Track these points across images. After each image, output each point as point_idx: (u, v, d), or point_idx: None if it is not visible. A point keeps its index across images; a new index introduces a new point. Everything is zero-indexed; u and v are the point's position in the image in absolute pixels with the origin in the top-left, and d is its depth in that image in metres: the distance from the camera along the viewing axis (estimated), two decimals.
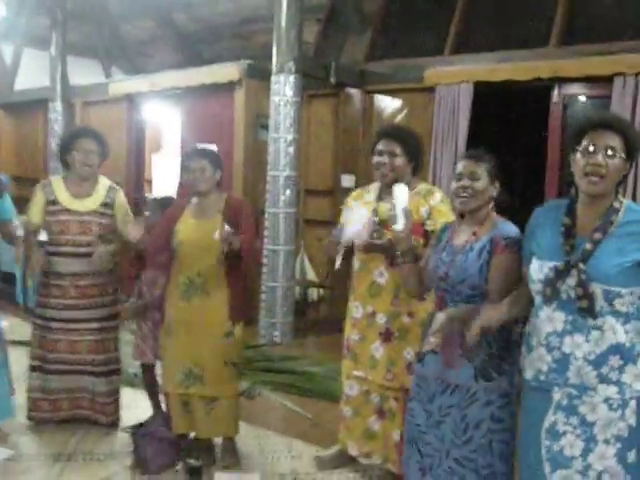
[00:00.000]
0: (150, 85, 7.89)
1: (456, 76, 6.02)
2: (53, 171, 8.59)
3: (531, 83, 5.66)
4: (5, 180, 9.27)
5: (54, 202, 3.91)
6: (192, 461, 3.48)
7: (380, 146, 3.32)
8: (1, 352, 3.87)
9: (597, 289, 2.17)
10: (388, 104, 6.78)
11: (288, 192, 6.16)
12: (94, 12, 10.48)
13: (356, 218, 3.19)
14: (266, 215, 6.23)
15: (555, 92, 5.70)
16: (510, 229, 2.62)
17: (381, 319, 3.30)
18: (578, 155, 2.23)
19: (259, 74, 6.59)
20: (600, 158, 2.17)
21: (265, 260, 6.20)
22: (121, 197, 4.04)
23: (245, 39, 10.46)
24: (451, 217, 3.00)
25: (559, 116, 5.71)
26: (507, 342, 2.59)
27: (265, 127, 6.44)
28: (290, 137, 6.10)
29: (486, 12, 6.87)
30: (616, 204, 2.25)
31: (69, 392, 3.98)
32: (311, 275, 7.27)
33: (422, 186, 3.37)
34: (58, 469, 3.51)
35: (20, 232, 3.87)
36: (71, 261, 3.87)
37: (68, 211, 3.89)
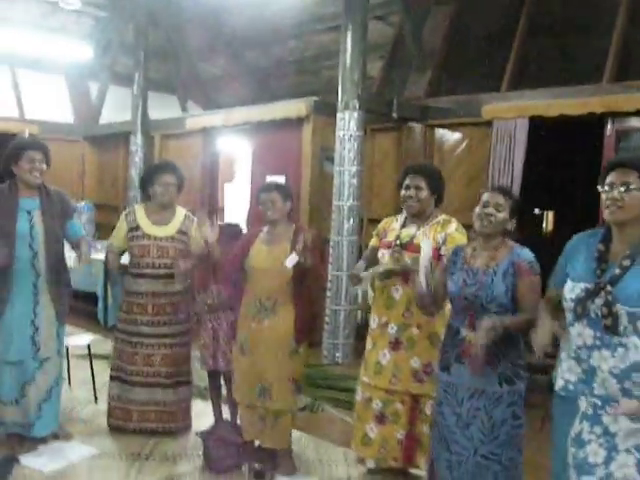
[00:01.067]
0: (224, 120, 8.41)
1: (512, 111, 6.29)
2: (132, 199, 9.20)
3: (585, 117, 5.87)
4: (88, 208, 10.00)
5: (136, 228, 4.35)
6: (256, 465, 3.84)
7: (407, 181, 3.72)
8: (61, 369, 4.25)
9: (621, 310, 2.42)
10: (448, 138, 7.08)
11: (351, 221, 6.51)
12: (172, 51, 11.14)
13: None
14: (331, 243, 6.59)
15: (609, 126, 5.90)
16: (528, 253, 3.04)
17: (392, 329, 3.67)
18: (602, 193, 2.52)
19: (325, 110, 7.00)
20: (616, 194, 2.46)
21: (329, 285, 6.56)
22: (195, 223, 4.43)
23: (312, 74, 10.95)
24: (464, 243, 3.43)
25: (612, 148, 5.90)
26: (520, 353, 3.01)
27: (330, 159, 6.82)
28: (354, 169, 6.48)
29: (542, 49, 7.14)
30: None
31: (139, 404, 4.33)
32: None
33: (442, 217, 3.76)
34: (137, 467, 3.93)
35: (85, 248, 4.24)
36: (150, 281, 4.30)
37: (148, 237, 4.32)
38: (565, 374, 2.58)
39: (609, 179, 2.51)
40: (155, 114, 9.91)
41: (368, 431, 3.77)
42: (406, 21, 8.05)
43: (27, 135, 10.09)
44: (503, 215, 3.05)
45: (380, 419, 3.73)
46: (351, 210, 6.49)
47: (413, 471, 3.82)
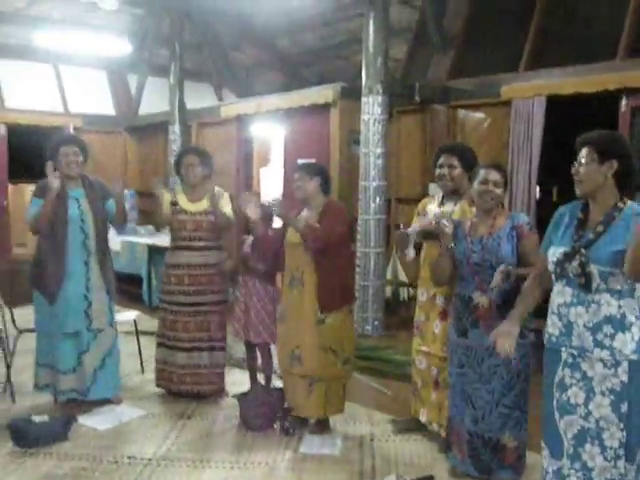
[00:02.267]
0: (257, 107, 8.81)
1: (530, 91, 6.53)
2: (172, 186, 9.65)
3: (600, 94, 6.08)
4: (131, 195, 10.49)
5: (176, 203, 4.79)
6: (287, 423, 4.24)
7: (441, 160, 3.98)
8: (115, 340, 4.71)
9: (594, 269, 2.74)
10: (470, 118, 7.34)
11: (377, 200, 6.85)
12: (207, 42, 11.54)
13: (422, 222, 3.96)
14: (358, 221, 6.95)
15: (623, 102, 6.10)
16: (524, 217, 3.50)
17: (440, 300, 3.95)
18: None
19: (351, 95, 7.33)
20: (574, 169, 2.80)
21: (358, 262, 6.92)
22: (225, 196, 4.84)
23: (343, 59, 11.24)
24: None
25: (627, 124, 6.11)
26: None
27: (357, 142, 7.15)
28: (379, 151, 6.80)
29: (559, 29, 7.33)
30: (620, 204, 2.81)
31: (179, 368, 4.76)
32: (402, 276, 7.88)
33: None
34: (180, 424, 4.38)
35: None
36: (187, 254, 4.74)
37: (185, 212, 4.75)
38: (549, 328, 2.91)
39: (578, 156, 2.83)
40: (192, 103, 10.34)
41: (431, 395, 4.03)
42: (428, 4, 8.28)
43: (72, 128, 10.63)
44: (500, 191, 3.43)
45: (436, 385, 3.99)
46: (377, 190, 6.82)
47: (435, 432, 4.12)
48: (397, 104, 7.52)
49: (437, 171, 4.00)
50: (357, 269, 6.93)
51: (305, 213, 4.15)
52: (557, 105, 6.42)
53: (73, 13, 10.01)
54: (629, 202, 2.84)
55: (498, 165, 3.54)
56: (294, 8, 9.21)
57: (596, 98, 6.16)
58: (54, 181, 4.29)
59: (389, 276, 7.55)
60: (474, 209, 3.80)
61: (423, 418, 4.14)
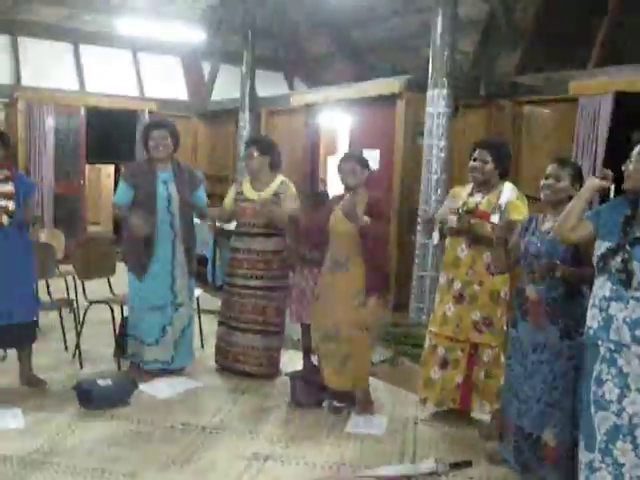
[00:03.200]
0: (325, 97, 8.97)
1: (597, 88, 6.46)
2: (241, 171, 9.93)
3: None
4: (200, 176, 10.81)
5: (240, 193, 5.02)
6: (335, 402, 4.41)
7: (475, 154, 4.15)
8: (193, 314, 5.03)
9: (636, 267, 2.80)
10: (535, 114, 7.32)
11: (439, 192, 6.91)
12: (279, 30, 11.76)
13: (450, 205, 4.14)
14: (419, 212, 7.03)
15: None
16: None
17: (457, 285, 4.12)
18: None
19: (417, 87, 7.38)
20: (627, 164, 2.84)
21: (417, 252, 7.02)
22: (291, 188, 5.01)
23: (413, 51, 11.26)
24: (524, 210, 3.90)
25: None
26: (583, 309, 3.17)
27: (422, 134, 7.22)
28: (442, 144, 6.86)
29: (632, 26, 7.21)
30: None
31: (234, 346, 5.00)
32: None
33: (505, 186, 4.11)
34: (234, 398, 4.61)
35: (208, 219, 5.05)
36: (247, 239, 4.96)
37: (247, 199, 4.96)
38: (589, 322, 2.98)
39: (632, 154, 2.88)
40: (263, 91, 10.57)
41: (432, 374, 4.26)
42: None
43: (147, 112, 11.02)
44: (563, 184, 3.42)
45: (442, 364, 4.20)
46: (438, 182, 6.89)
47: (472, 415, 4.28)
48: (462, 98, 7.55)
49: (470, 164, 4.17)
50: (416, 259, 7.03)
51: (349, 198, 4.31)
52: (627, 102, 6.35)
53: (151, 2, 10.35)
54: None
55: (562, 159, 3.55)
56: None
57: None
58: (140, 229, 4.62)
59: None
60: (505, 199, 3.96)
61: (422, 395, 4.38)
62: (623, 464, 2.83)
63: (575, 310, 3.33)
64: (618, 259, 2.83)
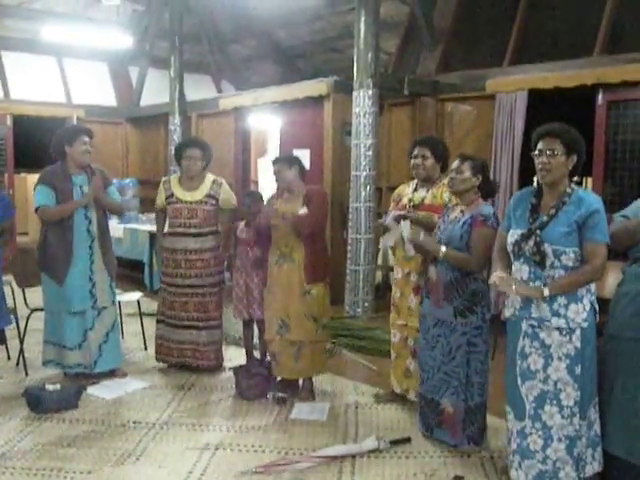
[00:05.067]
0: (254, 99, 9.14)
1: (512, 85, 6.86)
2: (172, 174, 10.00)
3: (578, 89, 6.42)
4: (133, 183, 10.82)
5: (172, 195, 5.14)
6: (279, 393, 4.62)
7: (415, 151, 4.38)
8: (117, 317, 5.14)
9: (548, 248, 3.10)
10: (457, 111, 7.69)
11: (368, 189, 7.20)
12: (206, 34, 11.85)
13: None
14: (349, 209, 7.30)
15: (600, 96, 6.45)
16: (486, 209, 3.72)
17: (414, 277, 4.35)
18: (535, 157, 3.18)
19: (343, 88, 7.67)
20: (544, 159, 3.12)
21: (349, 247, 7.29)
22: (224, 187, 5.17)
23: (338, 52, 11.57)
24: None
25: (603, 118, 6.47)
26: (474, 292, 3.70)
27: (350, 134, 7.49)
28: (369, 142, 7.15)
29: (541, 25, 7.67)
30: (568, 190, 3.17)
31: (178, 343, 5.15)
32: (391, 261, 8.24)
33: (446, 180, 4.35)
34: (181, 395, 4.76)
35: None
36: (183, 239, 5.08)
37: (180, 201, 5.10)
38: (510, 303, 3.28)
39: (539, 146, 3.17)
40: (192, 94, 10.66)
41: (408, 365, 4.43)
42: (417, 0, 8.59)
43: (75, 119, 10.95)
44: (464, 176, 3.74)
45: (414, 354, 4.37)
46: (367, 179, 7.17)
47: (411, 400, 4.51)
48: (388, 97, 7.87)
49: (412, 161, 4.40)
50: (348, 254, 7.29)
51: (285, 198, 4.58)
52: (539, 98, 6.76)
53: (76, 7, 10.32)
54: (576, 188, 3.19)
55: (465, 155, 3.85)
56: (290, 1, 9.48)
57: (574, 92, 6.49)
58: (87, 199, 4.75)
59: (380, 261, 7.92)
60: (447, 194, 4.19)
61: (397, 389, 4.56)
62: (551, 426, 3.16)
63: (467, 292, 3.71)
64: (531, 243, 3.14)
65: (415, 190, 4.44)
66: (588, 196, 3.19)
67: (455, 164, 3.78)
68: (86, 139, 4.84)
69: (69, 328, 4.85)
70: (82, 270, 4.82)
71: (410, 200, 4.36)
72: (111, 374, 5.04)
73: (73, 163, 4.84)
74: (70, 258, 4.77)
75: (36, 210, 4.80)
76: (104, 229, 4.97)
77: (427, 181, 4.38)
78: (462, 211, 3.78)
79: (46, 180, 4.80)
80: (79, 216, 4.80)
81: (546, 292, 3.05)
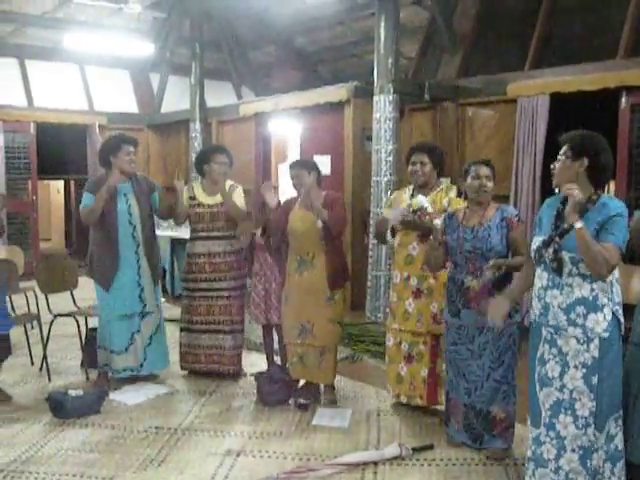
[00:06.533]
0: (274, 105, 9.17)
1: (534, 89, 6.81)
2: (193, 180, 10.05)
3: (601, 92, 6.35)
4: (156, 182, 10.86)
5: (194, 198, 5.18)
6: (301, 399, 4.61)
7: (413, 157, 4.43)
8: (160, 320, 5.18)
9: (565, 256, 3.06)
10: (478, 115, 7.64)
11: (389, 194, 7.16)
12: (226, 41, 11.91)
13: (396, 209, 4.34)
14: (370, 214, 7.29)
15: (623, 99, 6.38)
16: (513, 209, 3.84)
17: (413, 281, 4.36)
18: None
19: (364, 94, 7.65)
20: (554, 164, 3.13)
21: (370, 253, 7.27)
22: (238, 191, 5.18)
23: (357, 58, 11.57)
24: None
25: (627, 121, 6.39)
26: None
27: (370, 139, 7.48)
28: (390, 147, 7.14)
29: (563, 28, 7.61)
30: (593, 197, 3.13)
31: (205, 349, 5.17)
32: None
33: (444, 185, 4.46)
34: (202, 400, 4.77)
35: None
36: (206, 243, 5.12)
37: (202, 205, 5.14)
38: (532, 309, 3.25)
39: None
40: (212, 101, 10.72)
41: (400, 370, 4.47)
42: (437, 5, 8.57)
43: (97, 126, 11.05)
44: (492, 184, 3.77)
45: (408, 359, 4.42)
46: (388, 184, 7.15)
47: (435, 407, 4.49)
48: (408, 102, 7.84)
49: (410, 167, 4.44)
50: (369, 260, 7.27)
51: (305, 195, 4.54)
52: (561, 103, 6.70)
53: (97, 16, 10.41)
54: (602, 195, 3.15)
55: (487, 161, 3.88)
56: (310, 7, 9.50)
57: (598, 96, 6.43)
58: (116, 179, 4.80)
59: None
60: (447, 199, 4.26)
61: (391, 393, 4.60)
62: (565, 437, 3.11)
63: None
64: (550, 250, 3.11)
65: (412, 196, 4.43)
66: (612, 202, 3.14)
67: (482, 171, 3.79)
68: (131, 149, 4.96)
69: (117, 332, 4.98)
70: (129, 275, 4.95)
71: (409, 206, 4.34)
72: (133, 379, 5.07)
73: (119, 172, 4.91)
74: (116, 264, 4.90)
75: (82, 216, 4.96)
76: (149, 234, 5.07)
77: (424, 187, 4.41)
78: (483, 216, 3.80)
79: (91, 189, 4.94)
80: (123, 222, 4.92)
81: (579, 224, 2.94)
